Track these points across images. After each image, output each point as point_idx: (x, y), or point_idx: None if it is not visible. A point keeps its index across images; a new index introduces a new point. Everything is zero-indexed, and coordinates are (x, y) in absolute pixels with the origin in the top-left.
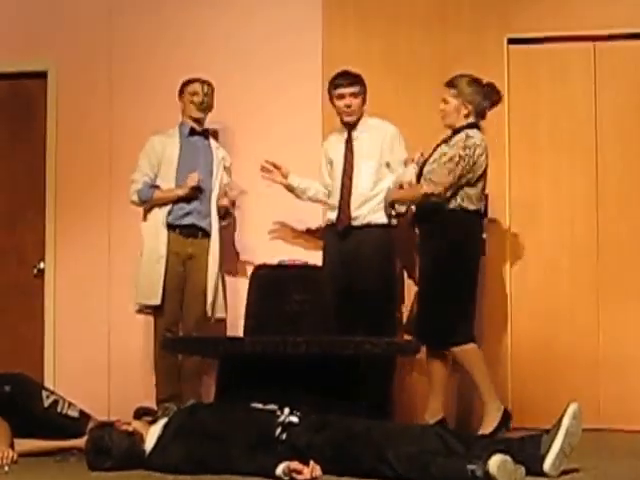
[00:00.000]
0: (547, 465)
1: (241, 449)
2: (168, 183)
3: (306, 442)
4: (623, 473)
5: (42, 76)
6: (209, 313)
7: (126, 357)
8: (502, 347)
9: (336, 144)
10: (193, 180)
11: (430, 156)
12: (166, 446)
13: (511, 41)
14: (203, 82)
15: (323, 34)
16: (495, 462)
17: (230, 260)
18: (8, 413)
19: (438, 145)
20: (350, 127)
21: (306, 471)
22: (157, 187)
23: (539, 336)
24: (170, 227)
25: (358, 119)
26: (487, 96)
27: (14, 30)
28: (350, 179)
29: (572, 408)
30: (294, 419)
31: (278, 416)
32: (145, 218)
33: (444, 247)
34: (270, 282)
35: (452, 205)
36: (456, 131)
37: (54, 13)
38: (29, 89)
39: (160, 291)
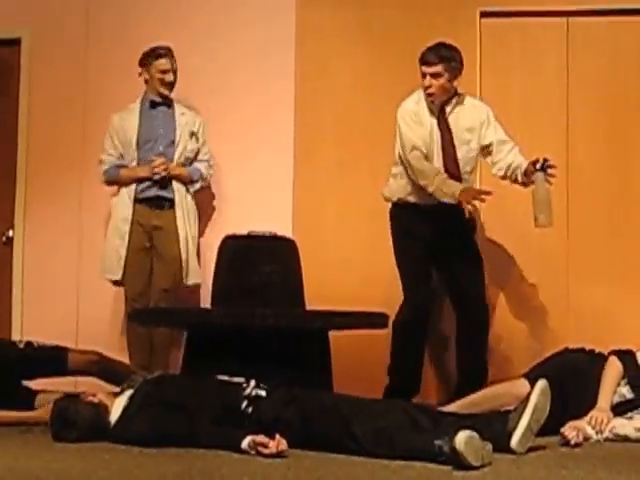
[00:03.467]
0: (514, 442)
1: (206, 422)
2: (131, 160)
3: (273, 416)
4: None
5: (16, 43)
6: (183, 279)
7: (95, 328)
8: None
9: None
10: (158, 167)
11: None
12: (131, 418)
13: (484, 14)
14: (171, 56)
15: (297, 6)
16: (462, 438)
17: (205, 230)
18: None
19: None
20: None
21: (272, 445)
22: (124, 166)
23: (509, 315)
24: (137, 200)
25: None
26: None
27: None
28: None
29: (540, 385)
30: (261, 392)
31: (244, 389)
32: (116, 194)
33: None
34: (239, 253)
35: None
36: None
37: None
38: (3, 56)
39: (122, 266)
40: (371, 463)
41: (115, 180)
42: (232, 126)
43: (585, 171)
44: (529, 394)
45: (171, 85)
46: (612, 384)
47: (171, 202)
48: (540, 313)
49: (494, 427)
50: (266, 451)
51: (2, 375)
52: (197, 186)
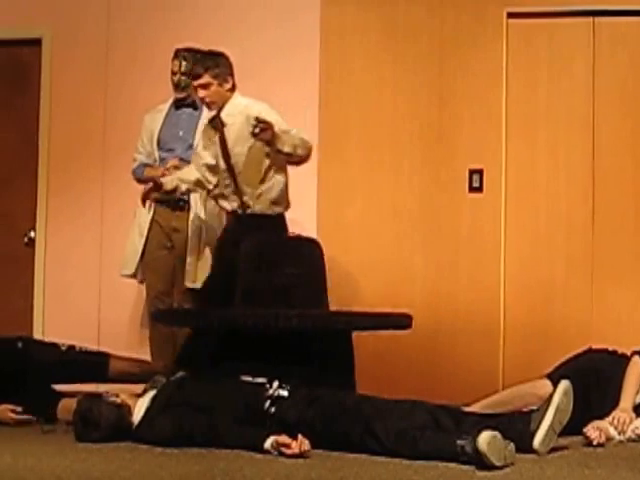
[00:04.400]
0: (537, 442)
1: (229, 422)
2: (154, 160)
3: (295, 416)
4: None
5: (36, 43)
6: (187, 282)
7: (116, 327)
8: (494, 326)
9: None
10: (167, 170)
11: None
12: (154, 418)
13: (510, 15)
14: (184, 57)
15: (321, 4)
16: (485, 438)
17: None
18: (23, 369)
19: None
20: None
21: (294, 445)
22: (150, 165)
23: (532, 315)
24: (159, 201)
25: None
26: None
27: None
28: None
29: (563, 385)
30: (283, 393)
31: (267, 389)
32: None
33: None
34: (263, 254)
35: None
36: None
37: None
38: (23, 56)
39: (135, 263)
40: (393, 463)
41: (141, 178)
42: None
43: (611, 172)
44: (552, 394)
45: (179, 88)
46: (635, 384)
47: (189, 204)
48: (564, 313)
49: (517, 427)
50: (289, 451)
51: (39, 376)
52: (217, 190)
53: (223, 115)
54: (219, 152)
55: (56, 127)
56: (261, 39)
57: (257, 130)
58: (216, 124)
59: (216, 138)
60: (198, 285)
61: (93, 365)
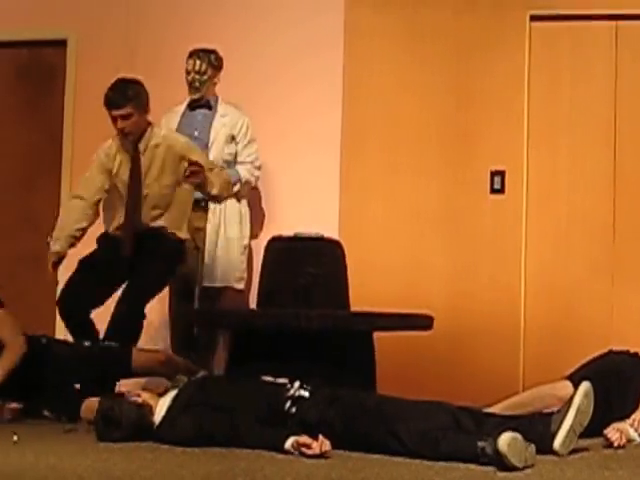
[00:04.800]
0: (557, 443)
1: (250, 422)
2: None
3: (316, 416)
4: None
5: (62, 44)
6: (204, 281)
7: None
8: (515, 327)
9: None
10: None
11: None
12: (175, 418)
13: (533, 18)
14: (198, 57)
15: (345, 10)
16: (505, 440)
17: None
18: (45, 364)
19: None
20: None
21: (315, 445)
22: None
23: (553, 317)
24: None
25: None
26: None
27: None
28: None
29: (584, 387)
30: (304, 393)
31: (288, 389)
32: None
33: None
34: (284, 254)
35: None
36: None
37: None
38: (48, 57)
39: None
40: (414, 464)
41: None
42: (279, 127)
43: (632, 174)
44: (572, 396)
45: (193, 87)
46: None
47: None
48: (585, 315)
49: (537, 428)
50: (309, 452)
51: (62, 373)
52: (235, 188)
53: (141, 145)
54: (124, 180)
55: (80, 128)
56: (285, 41)
57: (187, 173)
58: (133, 154)
59: (127, 167)
60: (215, 284)
61: (116, 359)
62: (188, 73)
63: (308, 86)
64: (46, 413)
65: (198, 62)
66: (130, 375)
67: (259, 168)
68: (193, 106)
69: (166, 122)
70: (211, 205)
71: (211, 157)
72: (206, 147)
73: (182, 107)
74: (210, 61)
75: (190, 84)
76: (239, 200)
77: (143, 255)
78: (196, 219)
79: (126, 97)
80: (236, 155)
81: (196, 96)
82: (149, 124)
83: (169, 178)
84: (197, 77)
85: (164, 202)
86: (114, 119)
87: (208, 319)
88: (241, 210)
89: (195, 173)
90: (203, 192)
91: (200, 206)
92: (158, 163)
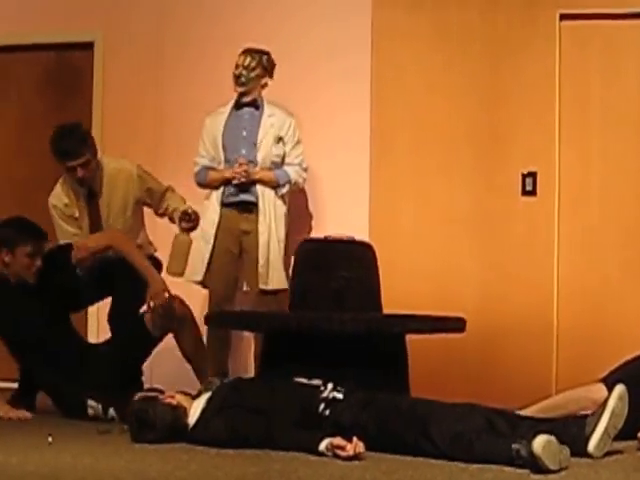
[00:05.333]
0: (591, 446)
1: (284, 424)
2: (219, 162)
3: (350, 419)
4: None
5: (89, 47)
6: (260, 285)
7: None
8: (547, 329)
9: None
10: (237, 171)
11: None
12: (209, 420)
13: (563, 17)
14: (250, 54)
15: (373, 11)
16: (540, 442)
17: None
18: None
19: None
20: None
21: (349, 447)
22: (213, 169)
23: (586, 318)
24: (225, 205)
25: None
26: None
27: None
28: None
29: (618, 390)
30: (338, 395)
31: (322, 391)
32: (208, 197)
33: None
34: (316, 257)
35: None
36: None
37: None
38: (75, 60)
39: (203, 269)
40: (448, 466)
41: (204, 182)
42: (307, 130)
43: None
44: (607, 399)
45: (239, 82)
46: None
47: (257, 206)
48: (618, 317)
49: (571, 431)
50: (343, 453)
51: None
52: (284, 190)
53: (96, 186)
54: (85, 226)
55: (108, 130)
56: (312, 42)
57: (188, 226)
58: (88, 200)
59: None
60: (271, 287)
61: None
62: (237, 67)
63: (336, 88)
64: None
65: (249, 59)
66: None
67: (306, 170)
68: (239, 106)
69: (211, 123)
70: (261, 208)
71: (259, 157)
72: (254, 146)
73: (227, 107)
74: (261, 60)
75: (237, 78)
76: (284, 202)
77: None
78: (243, 222)
79: (82, 144)
80: (284, 156)
81: (240, 89)
82: (99, 164)
83: (131, 208)
84: (244, 72)
85: (132, 233)
86: (71, 169)
87: (242, 321)
88: (285, 212)
89: (190, 221)
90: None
91: (248, 209)
92: (119, 197)
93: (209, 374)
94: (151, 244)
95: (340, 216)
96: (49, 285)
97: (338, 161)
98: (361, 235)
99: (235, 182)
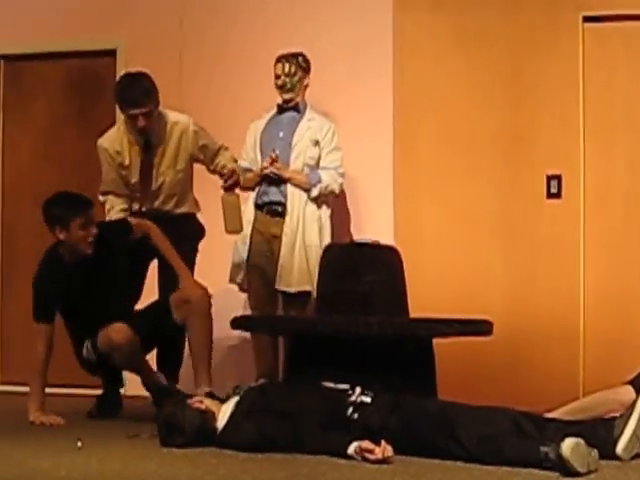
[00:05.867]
0: (620, 448)
1: (313, 428)
2: (257, 163)
3: (378, 422)
4: None
5: (111, 54)
6: (276, 285)
7: (224, 336)
8: (574, 332)
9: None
10: (269, 158)
11: None
12: (238, 424)
13: (586, 19)
14: (287, 60)
15: (394, 12)
16: (568, 445)
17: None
18: None
19: None
20: None
21: (377, 451)
22: (251, 170)
23: (612, 321)
24: (258, 207)
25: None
26: None
27: (84, 7)
28: None
29: None
30: (366, 399)
31: (350, 395)
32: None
33: None
34: (342, 261)
35: None
36: None
37: None
38: (98, 67)
39: (241, 273)
40: (477, 469)
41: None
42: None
43: None
44: (635, 401)
45: (284, 90)
46: None
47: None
48: None
49: (599, 434)
50: (372, 457)
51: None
52: (315, 192)
53: (153, 137)
54: (137, 170)
55: None
56: (333, 44)
57: (229, 184)
58: (144, 148)
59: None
60: (283, 288)
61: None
62: (278, 77)
63: (358, 91)
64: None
65: (287, 65)
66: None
67: (343, 175)
68: (282, 110)
69: (254, 127)
70: (289, 209)
71: (293, 158)
72: (289, 147)
73: (271, 113)
74: (298, 63)
75: (281, 87)
76: (319, 206)
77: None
78: (272, 225)
79: (147, 94)
80: (319, 160)
81: (287, 96)
82: (159, 113)
83: (183, 162)
84: (287, 80)
85: (180, 188)
86: (133, 117)
87: (268, 325)
88: (321, 216)
89: (231, 177)
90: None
91: (277, 212)
92: (172, 149)
93: (209, 375)
94: (197, 204)
95: (365, 220)
96: (106, 257)
97: (361, 165)
98: (386, 239)
99: (266, 172)
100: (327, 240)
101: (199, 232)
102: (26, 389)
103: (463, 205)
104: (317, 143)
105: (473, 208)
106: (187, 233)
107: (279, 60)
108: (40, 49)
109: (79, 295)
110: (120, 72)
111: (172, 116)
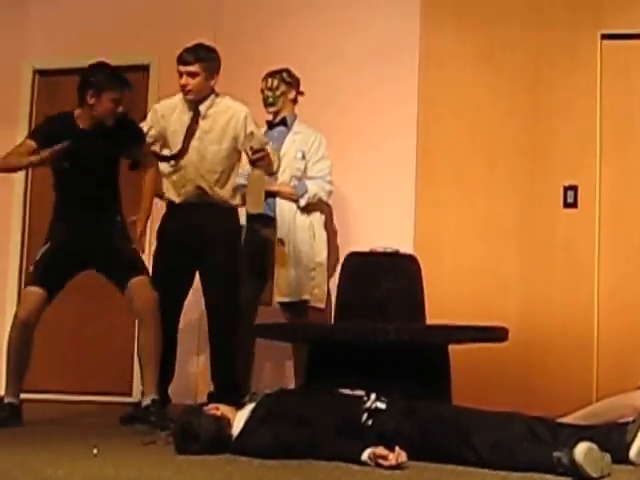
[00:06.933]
0: (633, 453)
1: (327, 434)
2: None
3: (393, 428)
4: None
5: (145, 69)
6: (275, 297)
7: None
8: (588, 339)
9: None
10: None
11: None
12: (253, 431)
13: (605, 37)
14: (270, 75)
15: (420, 31)
16: (581, 450)
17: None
18: None
19: None
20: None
21: (391, 457)
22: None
23: (626, 329)
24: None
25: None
26: None
27: (117, 23)
28: None
29: None
30: (381, 405)
31: (365, 402)
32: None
33: None
34: (361, 269)
35: None
36: None
37: (158, 7)
38: (132, 81)
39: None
40: (490, 475)
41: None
42: (355, 145)
43: None
44: None
45: (266, 104)
46: None
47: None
48: None
49: (612, 438)
50: (386, 463)
51: None
52: (303, 202)
53: (202, 108)
54: (180, 139)
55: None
56: (361, 66)
57: (255, 157)
58: (193, 115)
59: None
60: (285, 299)
61: None
62: (262, 92)
63: (384, 109)
64: None
65: (270, 80)
66: None
67: (330, 182)
68: (271, 124)
69: None
70: (278, 223)
71: (280, 171)
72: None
73: (262, 129)
74: (282, 77)
75: (264, 101)
76: (308, 214)
77: (209, 244)
78: (264, 231)
79: (197, 56)
80: (305, 170)
81: (271, 109)
82: (214, 91)
83: (228, 144)
84: (269, 94)
85: (221, 167)
86: (180, 75)
87: (286, 332)
88: (313, 225)
89: (261, 158)
90: (268, 173)
91: (267, 224)
92: (219, 129)
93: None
94: (235, 193)
95: (385, 229)
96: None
97: (383, 175)
98: (406, 248)
99: (254, 158)
100: (322, 246)
101: (238, 234)
102: (40, 396)
103: (481, 214)
104: (304, 155)
105: (491, 217)
106: (227, 236)
107: (264, 77)
108: (74, 64)
109: (75, 156)
110: (153, 87)
111: (230, 101)
